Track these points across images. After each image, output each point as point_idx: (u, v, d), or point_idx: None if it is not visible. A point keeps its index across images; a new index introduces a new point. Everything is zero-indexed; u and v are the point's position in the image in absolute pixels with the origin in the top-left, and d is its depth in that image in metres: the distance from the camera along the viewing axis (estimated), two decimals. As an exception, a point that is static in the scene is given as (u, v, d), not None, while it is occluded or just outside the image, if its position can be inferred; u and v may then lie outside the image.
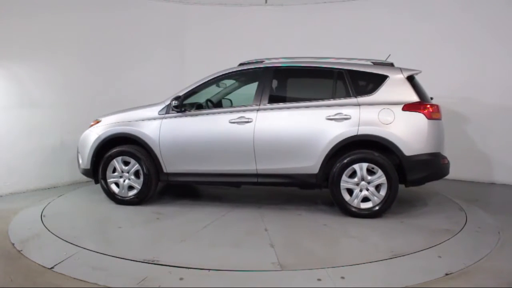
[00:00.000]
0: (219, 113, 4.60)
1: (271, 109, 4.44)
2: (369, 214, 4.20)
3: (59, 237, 3.61)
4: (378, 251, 3.32)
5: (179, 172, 4.67)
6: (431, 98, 4.52)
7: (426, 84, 4.53)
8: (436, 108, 4.27)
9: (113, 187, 4.79)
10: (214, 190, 5.59)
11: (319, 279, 2.80)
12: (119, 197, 4.78)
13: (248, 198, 5.10)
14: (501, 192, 5.61)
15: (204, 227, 3.95)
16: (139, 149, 4.71)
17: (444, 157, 4.36)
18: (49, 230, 3.81)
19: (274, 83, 4.66)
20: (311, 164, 4.29)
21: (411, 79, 4.33)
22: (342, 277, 2.83)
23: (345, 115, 4.24)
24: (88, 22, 6.06)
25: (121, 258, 3.14)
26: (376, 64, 4.55)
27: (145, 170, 4.65)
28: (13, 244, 3.50)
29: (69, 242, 3.47)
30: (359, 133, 4.18)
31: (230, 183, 4.71)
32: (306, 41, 6.90)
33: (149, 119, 4.73)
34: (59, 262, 3.08)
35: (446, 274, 2.87)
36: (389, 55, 4.70)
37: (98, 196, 5.19)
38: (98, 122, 5.03)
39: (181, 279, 2.81)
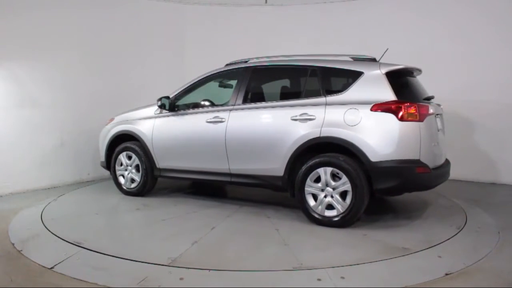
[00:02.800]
0: (200, 112, 4.71)
1: (242, 109, 4.43)
2: (334, 223, 3.85)
3: (59, 237, 3.61)
4: (286, 261, 3.09)
5: (168, 168, 4.94)
6: (431, 97, 4.26)
7: (428, 83, 4.45)
8: (416, 108, 3.72)
9: (121, 179, 5.26)
10: (222, 188, 5.66)
11: (319, 279, 2.80)
12: (124, 188, 5.22)
13: (240, 197, 5.18)
14: (501, 192, 5.60)
15: (163, 220, 4.19)
16: (139, 146, 5.06)
17: (424, 166, 3.74)
18: (49, 230, 3.81)
19: (251, 82, 4.57)
20: (277, 166, 4.14)
21: (395, 76, 3.91)
22: (342, 277, 2.83)
23: (310, 115, 3.98)
24: (87, 22, 6.07)
25: (121, 258, 3.14)
26: (357, 60, 4.22)
27: (143, 165, 5.01)
28: (13, 244, 3.50)
29: (69, 242, 3.47)
30: (322, 135, 3.89)
31: (210, 181, 4.79)
32: (306, 41, 6.90)
33: (146, 118, 5.09)
34: (59, 262, 3.07)
35: (446, 274, 2.87)
36: (387, 49, 4.35)
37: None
38: (112, 120, 5.44)
39: (181, 279, 2.81)
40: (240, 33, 7.22)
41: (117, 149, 5.23)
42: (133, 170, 5.12)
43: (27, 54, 5.46)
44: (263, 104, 4.37)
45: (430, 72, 4.79)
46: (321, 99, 4.03)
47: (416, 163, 3.72)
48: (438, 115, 4.25)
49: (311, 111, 4.01)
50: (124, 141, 5.23)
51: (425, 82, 4.44)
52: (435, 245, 3.40)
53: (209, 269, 2.94)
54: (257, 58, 4.72)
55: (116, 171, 5.27)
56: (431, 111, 3.96)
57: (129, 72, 6.62)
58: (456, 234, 3.70)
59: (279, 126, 4.15)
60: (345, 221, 3.83)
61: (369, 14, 6.64)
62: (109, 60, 6.38)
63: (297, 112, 4.07)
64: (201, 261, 3.10)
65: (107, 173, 6.35)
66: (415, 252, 3.25)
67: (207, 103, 4.97)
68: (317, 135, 3.92)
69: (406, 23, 6.44)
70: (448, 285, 2.74)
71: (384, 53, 4.29)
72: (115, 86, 6.44)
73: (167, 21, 7.10)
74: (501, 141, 5.95)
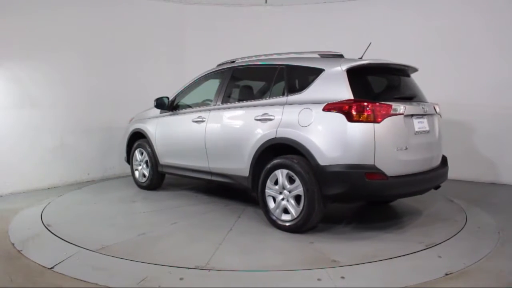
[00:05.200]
0: (190, 112, 4.89)
1: (219, 109, 4.51)
2: (288, 227, 3.70)
3: (59, 237, 3.62)
4: (195, 259, 3.11)
5: (167, 165, 5.19)
6: (411, 97, 3.88)
7: (428, 85, 4.41)
8: (370, 108, 3.37)
9: (136, 173, 5.66)
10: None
11: (319, 279, 2.80)
12: (137, 182, 5.62)
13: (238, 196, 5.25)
14: (501, 192, 5.60)
15: (143, 212, 4.60)
16: (147, 143, 5.40)
17: (378, 172, 3.36)
18: (49, 230, 3.82)
19: (230, 83, 4.62)
20: (243, 167, 4.11)
21: (358, 73, 3.62)
22: (342, 277, 2.82)
23: (270, 115, 3.90)
24: (87, 22, 6.07)
25: (121, 258, 3.15)
26: (324, 56, 4.03)
27: (150, 160, 5.38)
28: (13, 244, 3.50)
29: (69, 242, 3.47)
30: (277, 135, 3.77)
31: (197, 178, 4.91)
32: (306, 41, 6.89)
33: (153, 117, 5.39)
34: (59, 262, 3.07)
35: (446, 274, 2.87)
36: (370, 43, 4.06)
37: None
38: (132, 119, 5.84)
39: (181, 279, 2.81)
40: (240, 33, 7.22)
41: (134, 145, 5.62)
42: (144, 166, 5.52)
43: (27, 54, 5.46)
44: (236, 104, 4.41)
45: (430, 74, 4.79)
46: (283, 99, 3.92)
47: (367, 168, 3.37)
48: (422, 116, 3.83)
49: (271, 111, 3.93)
50: (139, 138, 5.59)
51: (425, 85, 4.38)
52: (435, 245, 3.40)
53: (209, 269, 2.94)
54: (241, 58, 4.75)
55: (133, 166, 5.69)
56: (400, 111, 3.53)
57: (129, 72, 6.61)
58: (456, 234, 3.69)
59: (244, 126, 4.15)
60: (298, 227, 3.65)
61: (368, 15, 6.64)
62: (109, 60, 6.37)
63: (260, 112, 4.02)
64: (126, 250, 3.30)
65: (106, 173, 6.39)
66: (415, 252, 3.25)
67: (210, 103, 4.99)
68: (274, 136, 3.82)
69: (405, 23, 6.43)
70: (448, 285, 2.74)
71: (367, 48, 4.03)
72: (115, 86, 6.44)
73: (167, 21, 7.09)
74: (500, 141, 5.95)
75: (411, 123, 3.67)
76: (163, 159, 5.21)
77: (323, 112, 3.51)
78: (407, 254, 3.21)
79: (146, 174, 5.47)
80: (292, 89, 3.92)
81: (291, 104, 3.81)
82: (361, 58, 3.91)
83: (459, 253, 3.27)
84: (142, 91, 6.57)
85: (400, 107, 3.55)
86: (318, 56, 4.09)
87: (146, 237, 3.66)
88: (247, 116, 4.14)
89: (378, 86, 3.89)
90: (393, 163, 3.47)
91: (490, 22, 5.94)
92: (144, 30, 6.77)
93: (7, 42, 5.26)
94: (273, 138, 3.83)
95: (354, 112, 3.37)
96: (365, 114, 3.36)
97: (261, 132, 3.94)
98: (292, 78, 4.01)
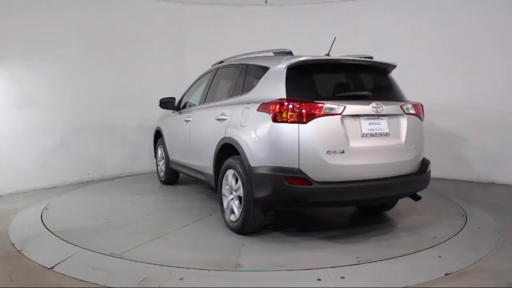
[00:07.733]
0: (184, 112, 5.11)
1: (199, 109, 4.70)
2: (233, 228, 3.64)
3: (59, 237, 3.62)
4: (117, 249, 3.26)
5: (173, 161, 5.46)
6: (367, 96, 3.50)
7: (428, 85, 4.37)
8: (292, 107, 3.17)
9: (158, 169, 6.09)
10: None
11: (319, 279, 2.80)
12: (159, 177, 6.06)
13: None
14: (501, 192, 5.60)
15: (132, 204, 4.81)
16: (163, 140, 5.72)
17: (300, 177, 3.15)
18: (49, 230, 3.82)
19: (211, 83, 4.73)
20: (209, 165, 4.16)
21: (301, 70, 3.42)
22: (342, 277, 2.82)
23: (225, 115, 3.90)
24: (88, 22, 6.07)
25: (121, 258, 3.15)
26: (276, 54, 3.86)
27: (166, 157, 5.70)
28: (13, 244, 3.50)
29: (69, 242, 3.47)
30: (226, 135, 3.77)
31: (188, 175, 5.08)
32: (306, 41, 6.89)
33: (167, 117, 5.71)
34: (59, 262, 3.07)
35: (446, 274, 2.87)
36: (335, 38, 3.81)
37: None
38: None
39: (181, 279, 2.81)
40: (240, 33, 7.22)
41: (157, 143, 6.02)
42: (163, 161, 5.86)
43: (27, 54, 5.46)
44: (209, 104, 4.50)
45: (431, 73, 4.78)
46: (237, 99, 3.89)
47: (289, 172, 3.18)
48: (377, 117, 3.44)
49: (226, 110, 3.94)
50: (161, 136, 5.89)
51: (425, 86, 4.31)
52: (435, 245, 3.40)
53: (209, 269, 2.94)
54: (229, 58, 4.78)
55: (156, 161, 6.12)
56: (336, 111, 3.23)
57: (129, 72, 6.61)
58: (456, 234, 3.69)
59: (209, 126, 4.22)
60: (239, 228, 3.59)
61: (369, 15, 6.64)
62: (109, 60, 6.37)
63: (220, 112, 4.05)
64: (77, 234, 3.66)
65: (106, 173, 6.39)
66: (415, 252, 3.25)
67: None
68: (224, 136, 3.81)
69: (406, 24, 6.43)
70: (448, 285, 2.74)
71: (333, 43, 3.79)
72: (115, 86, 6.44)
73: (167, 21, 7.09)
74: (500, 141, 5.95)
75: (355, 124, 3.33)
76: (171, 156, 5.52)
77: (257, 112, 3.43)
78: (407, 254, 3.20)
79: (163, 169, 5.82)
80: (246, 88, 3.87)
81: (239, 103, 3.78)
82: (327, 54, 3.80)
83: (459, 253, 3.27)
84: (142, 91, 6.58)
85: (337, 107, 3.25)
86: (272, 54, 3.94)
87: (108, 225, 3.99)
88: (211, 116, 4.18)
89: (324, 84, 3.60)
90: (323, 168, 3.19)
91: (490, 23, 5.94)
92: (144, 30, 6.77)
93: (7, 42, 5.26)
94: (223, 138, 3.83)
95: (277, 112, 3.23)
96: (289, 114, 3.19)
97: (217, 132, 3.95)
98: (247, 77, 3.97)
